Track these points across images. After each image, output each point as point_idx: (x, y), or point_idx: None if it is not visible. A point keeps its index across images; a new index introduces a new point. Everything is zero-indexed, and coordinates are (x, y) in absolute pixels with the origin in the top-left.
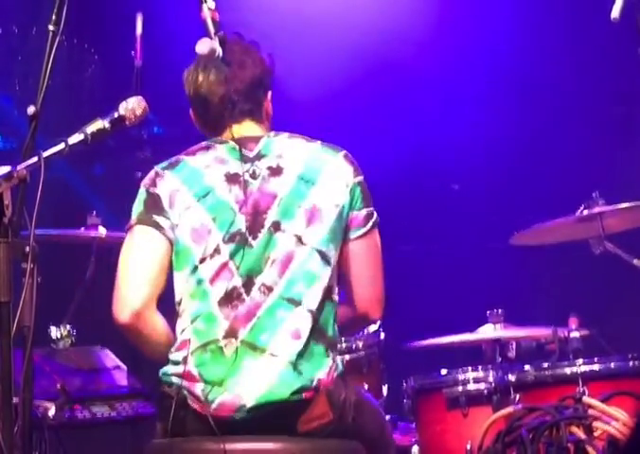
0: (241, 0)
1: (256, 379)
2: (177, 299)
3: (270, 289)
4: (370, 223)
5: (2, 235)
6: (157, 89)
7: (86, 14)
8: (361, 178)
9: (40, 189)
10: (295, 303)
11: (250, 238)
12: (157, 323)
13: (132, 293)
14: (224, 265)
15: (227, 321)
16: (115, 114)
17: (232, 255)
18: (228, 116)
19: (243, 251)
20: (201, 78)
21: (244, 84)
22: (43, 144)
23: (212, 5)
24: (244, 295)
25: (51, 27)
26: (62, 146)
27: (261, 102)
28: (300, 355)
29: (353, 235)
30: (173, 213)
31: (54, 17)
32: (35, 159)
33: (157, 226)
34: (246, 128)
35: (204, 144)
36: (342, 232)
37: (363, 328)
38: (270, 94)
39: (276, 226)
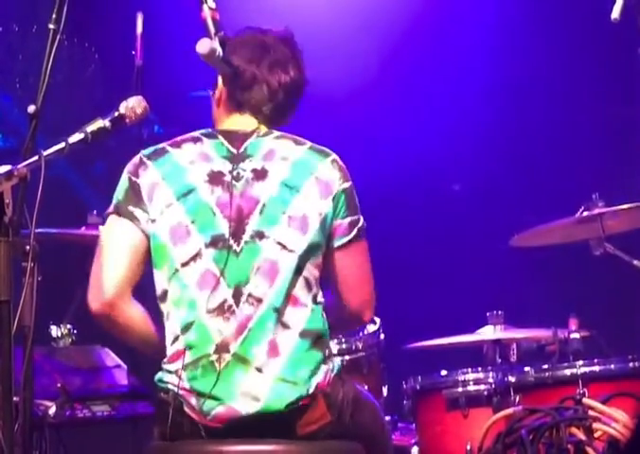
0: (242, 0)
1: (249, 397)
2: (158, 294)
3: (259, 301)
4: (355, 231)
5: (2, 233)
6: (158, 88)
7: (87, 13)
8: (347, 184)
9: (40, 188)
10: (279, 311)
11: (234, 245)
12: (132, 312)
13: (104, 283)
14: (208, 271)
15: (219, 334)
16: (116, 113)
17: (215, 261)
18: (257, 110)
19: (228, 257)
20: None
21: (293, 85)
22: (43, 143)
23: (212, 4)
24: (234, 307)
25: (52, 26)
26: (62, 145)
27: (293, 109)
28: (290, 366)
29: (337, 243)
30: (152, 207)
31: (54, 16)
32: (36, 158)
33: (132, 218)
34: (252, 125)
35: (192, 135)
36: (325, 240)
37: (355, 328)
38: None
39: (260, 234)
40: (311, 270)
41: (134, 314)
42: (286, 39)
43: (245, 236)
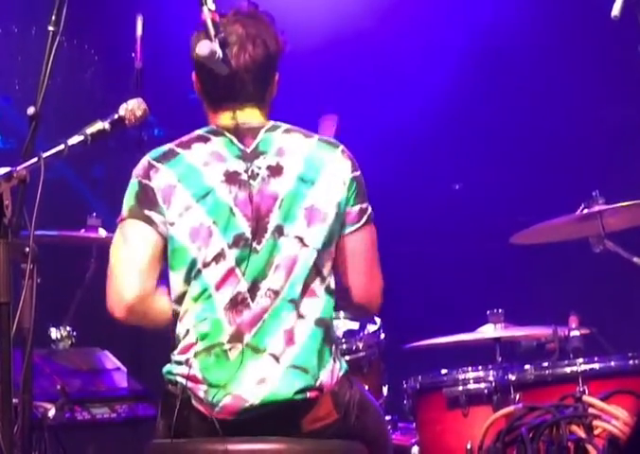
0: (241, 1)
1: (259, 382)
2: (175, 296)
3: (276, 293)
4: (364, 218)
5: (2, 235)
6: (157, 90)
7: (86, 15)
8: (357, 173)
9: (40, 190)
10: (296, 303)
11: (255, 244)
12: (157, 309)
13: (124, 289)
14: (231, 271)
15: (232, 325)
16: (115, 116)
17: (238, 261)
18: (232, 98)
19: (249, 256)
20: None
21: (256, 64)
22: (42, 145)
23: (212, 6)
24: (249, 300)
25: (51, 28)
26: (61, 147)
27: (269, 85)
28: (303, 354)
29: (347, 230)
30: (170, 210)
31: (54, 17)
32: (35, 160)
33: (149, 221)
34: (247, 114)
35: (198, 134)
36: (339, 229)
37: (361, 317)
38: (277, 75)
39: (280, 230)
40: (325, 262)
41: (160, 310)
42: (246, 16)
43: (267, 235)
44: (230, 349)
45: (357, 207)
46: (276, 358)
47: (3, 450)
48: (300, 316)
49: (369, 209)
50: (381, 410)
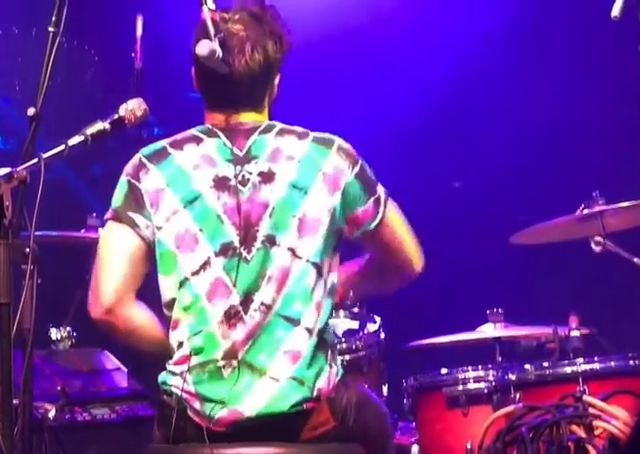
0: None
1: (255, 396)
2: (165, 301)
3: (269, 308)
4: (381, 207)
5: (2, 236)
6: (157, 90)
7: (86, 16)
8: (357, 168)
9: (40, 190)
10: (294, 322)
11: (245, 253)
12: (134, 317)
13: (102, 290)
14: (219, 280)
15: (226, 340)
16: (116, 116)
17: (226, 270)
18: (228, 102)
19: (238, 265)
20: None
21: (253, 70)
22: (43, 145)
23: (212, 6)
24: (242, 314)
25: (51, 29)
26: (61, 147)
27: (267, 89)
28: (300, 367)
29: (370, 226)
30: (157, 214)
31: (54, 18)
32: (35, 160)
33: (132, 224)
34: (242, 117)
35: (192, 133)
36: (336, 234)
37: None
38: (278, 78)
39: (271, 240)
40: (325, 271)
41: (136, 319)
42: (250, 15)
43: (257, 243)
44: (224, 366)
45: (369, 202)
46: (274, 381)
47: (3, 451)
48: (302, 332)
49: (381, 192)
50: (381, 403)
